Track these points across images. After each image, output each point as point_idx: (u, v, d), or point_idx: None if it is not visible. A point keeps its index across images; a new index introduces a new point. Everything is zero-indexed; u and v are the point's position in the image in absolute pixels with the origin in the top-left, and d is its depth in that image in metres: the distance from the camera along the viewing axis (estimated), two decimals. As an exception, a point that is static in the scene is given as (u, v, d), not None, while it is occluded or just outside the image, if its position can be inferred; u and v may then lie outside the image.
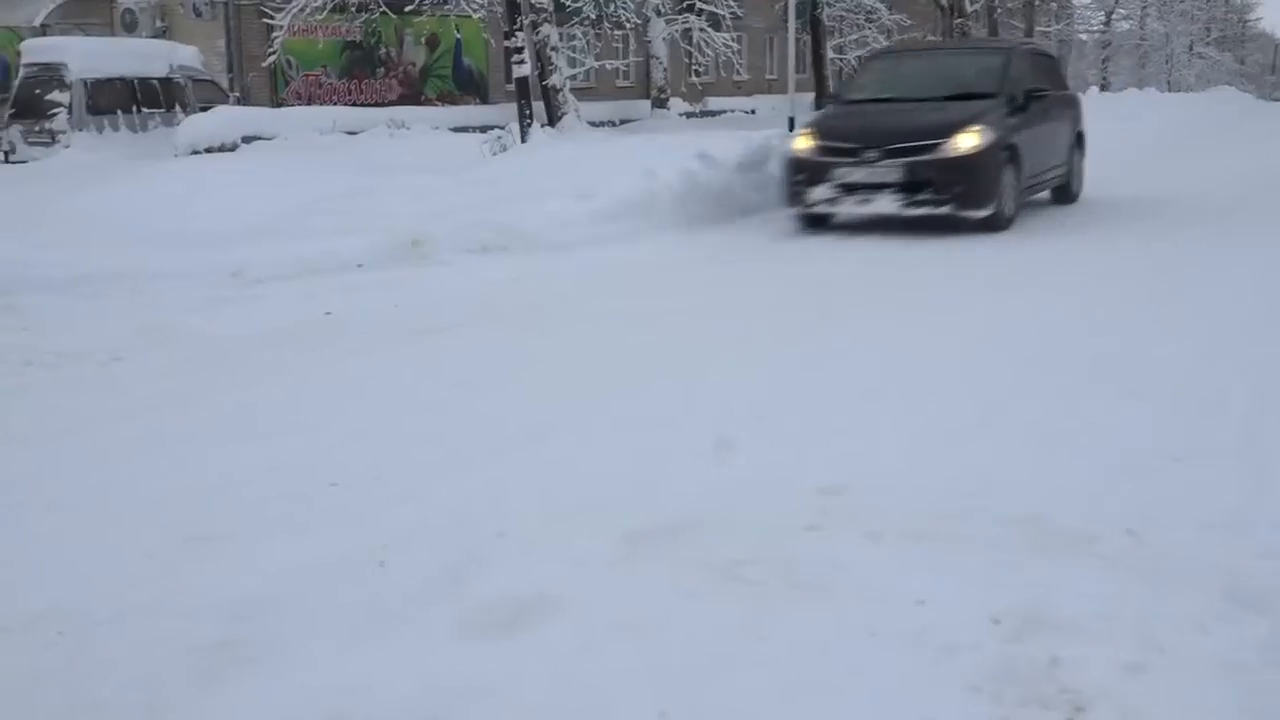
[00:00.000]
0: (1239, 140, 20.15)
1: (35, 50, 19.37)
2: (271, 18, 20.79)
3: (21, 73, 19.12)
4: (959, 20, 37.08)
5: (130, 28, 23.62)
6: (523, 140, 16.51)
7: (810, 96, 31.28)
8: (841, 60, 34.84)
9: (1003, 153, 9.74)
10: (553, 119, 19.82)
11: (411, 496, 3.92)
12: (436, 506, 3.82)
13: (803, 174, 10.09)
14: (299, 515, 3.78)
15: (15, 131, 18.52)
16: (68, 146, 17.70)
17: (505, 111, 21.25)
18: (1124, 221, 10.44)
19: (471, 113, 23.55)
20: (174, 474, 4.26)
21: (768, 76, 35.66)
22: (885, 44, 34.77)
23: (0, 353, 6.13)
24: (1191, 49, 57.93)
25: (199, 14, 23.62)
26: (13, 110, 18.78)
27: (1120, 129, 20.21)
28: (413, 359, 6.00)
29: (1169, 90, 43.65)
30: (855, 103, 11.07)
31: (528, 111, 18.61)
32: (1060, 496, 3.72)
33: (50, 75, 18.45)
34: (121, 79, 19.12)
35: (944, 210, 9.55)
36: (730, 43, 28.66)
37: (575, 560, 3.35)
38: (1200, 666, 2.69)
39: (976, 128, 9.62)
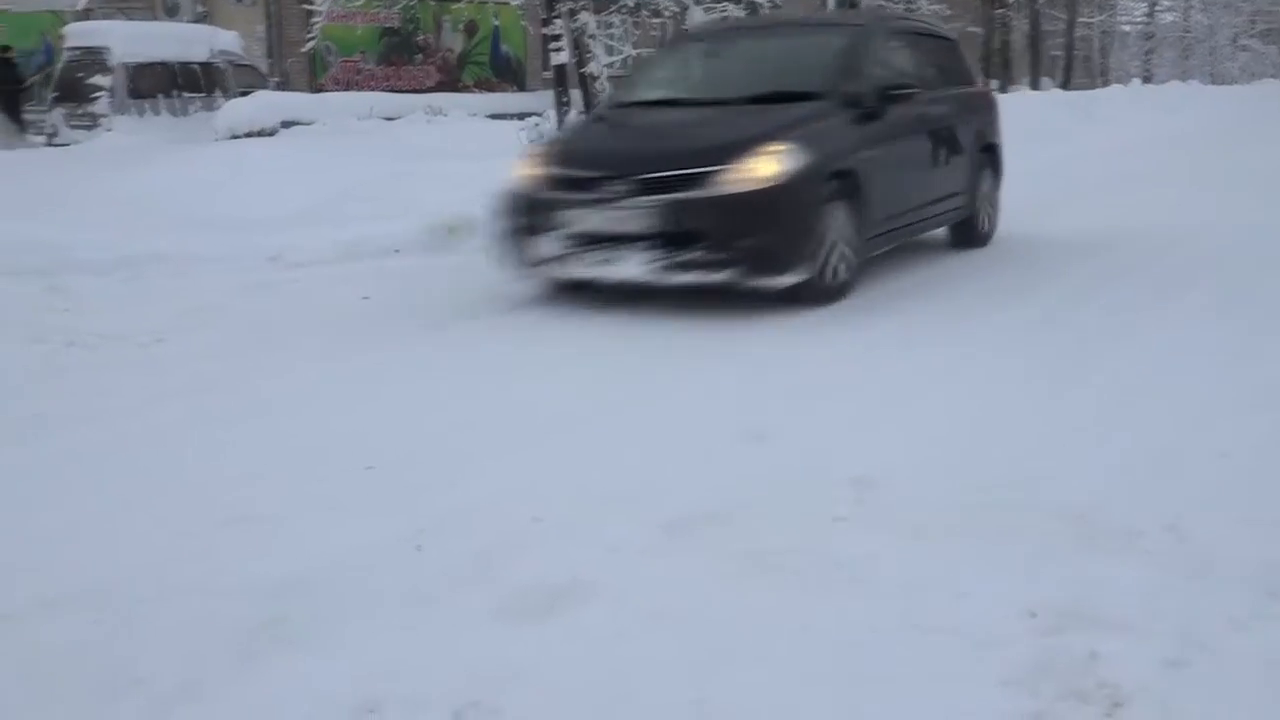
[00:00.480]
0: (1273, 137, 19.22)
1: (78, 34, 19.54)
2: (311, 3, 20.87)
3: (64, 56, 19.29)
4: (999, 11, 36.82)
5: (172, 12, 23.79)
6: (560, 127, 16.52)
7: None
8: (880, 50, 34.57)
9: (825, 185, 6.47)
10: (590, 106, 19.84)
11: (447, 481, 3.94)
12: (472, 492, 3.84)
13: (524, 217, 6.73)
14: (336, 499, 3.81)
15: (58, 114, 18.69)
16: (109, 130, 17.83)
17: (542, 99, 21.32)
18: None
19: (509, 100, 23.59)
20: (214, 456, 4.30)
21: (805, 66, 35.49)
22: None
23: (43, 333, 6.21)
24: (1235, 41, 57.23)
25: (240, -1, 23.76)
26: (55, 93, 18.96)
27: (1146, 123, 19.97)
28: (449, 345, 6.02)
29: (1213, 83, 43.15)
30: (631, 107, 7.76)
31: (565, 99, 18.65)
32: (1103, 490, 3.69)
33: (93, 59, 18.60)
34: (163, 63, 19.24)
35: (722, 277, 6.24)
36: (769, 32, 28.53)
37: (610, 547, 3.36)
38: (1240, 663, 2.67)
39: (777, 147, 6.33)
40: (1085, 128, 18.33)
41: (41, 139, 18.93)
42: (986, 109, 9.10)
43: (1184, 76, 42.27)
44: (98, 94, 18.37)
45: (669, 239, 6.25)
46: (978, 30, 38.10)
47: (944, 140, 8.05)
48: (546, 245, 6.61)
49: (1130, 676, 2.61)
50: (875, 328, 6.06)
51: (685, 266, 6.25)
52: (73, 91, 18.63)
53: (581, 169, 6.64)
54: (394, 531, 3.51)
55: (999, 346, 5.62)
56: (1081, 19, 43.73)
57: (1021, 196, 10.01)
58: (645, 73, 8.74)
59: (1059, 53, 43.70)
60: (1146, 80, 43.43)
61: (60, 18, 22.77)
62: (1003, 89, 31.51)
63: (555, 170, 6.77)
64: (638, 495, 3.75)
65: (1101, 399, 4.71)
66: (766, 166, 6.27)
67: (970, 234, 8.59)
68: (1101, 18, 48.43)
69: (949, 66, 8.69)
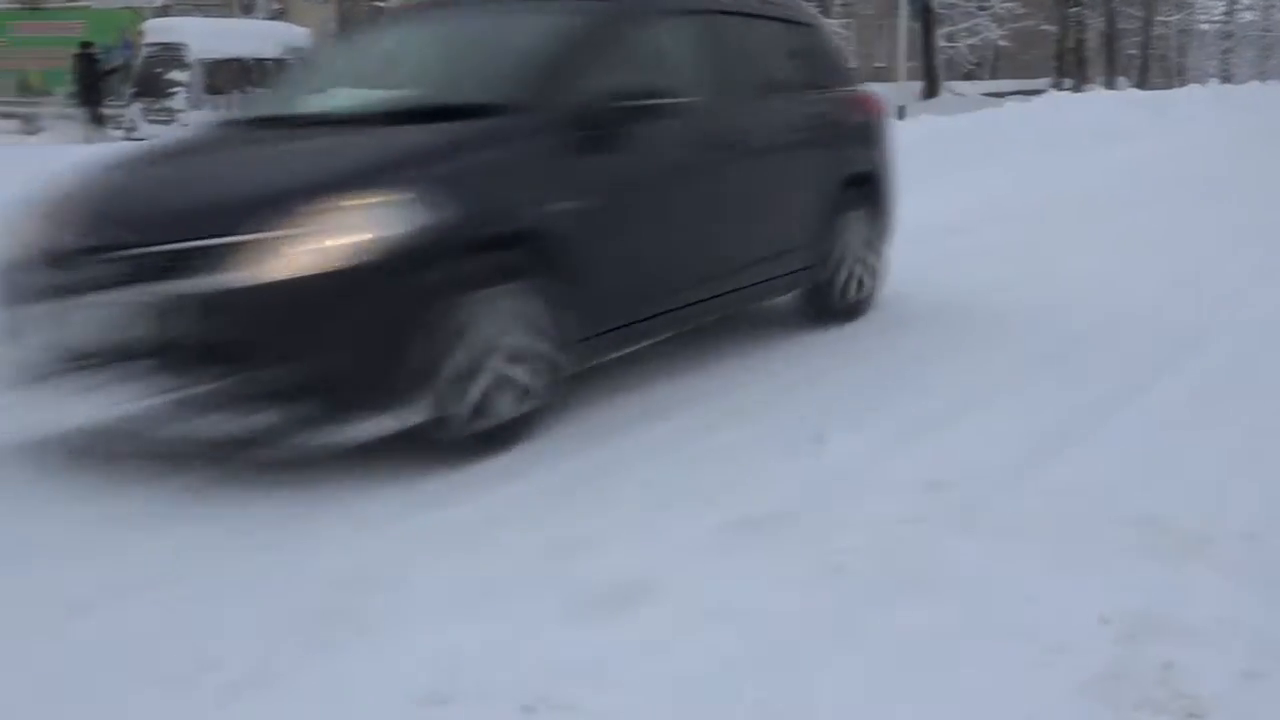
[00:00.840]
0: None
1: (157, 30, 19.94)
2: (381, 1, 21.11)
3: (144, 52, 19.69)
4: (1074, 9, 36.36)
5: (248, 9, 24.16)
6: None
7: (919, 86, 31.01)
8: (952, 48, 34.33)
9: (467, 260, 3.98)
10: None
11: (516, 474, 3.96)
12: (540, 485, 3.86)
13: None
14: (407, 486, 3.84)
15: (136, 109, 19.09)
16: (185, 125, 18.18)
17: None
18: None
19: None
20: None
21: (875, 64, 35.29)
22: (998, 33, 34.22)
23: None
24: (1318, 40, 56.03)
25: (313, -4, 24.08)
26: (134, 89, 19.35)
27: (1221, 124, 19.55)
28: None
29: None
30: (239, 126, 5.13)
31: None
32: (1177, 496, 3.63)
33: (170, 55, 18.99)
34: (238, 59, 19.58)
35: (263, 422, 3.71)
36: (839, 30, 28.40)
37: (676, 546, 3.36)
38: (1321, 677, 2.61)
39: (369, 199, 3.87)
40: (1157, 128, 18.00)
41: (120, 133, 19.33)
42: (857, 126, 6.26)
43: (1263, 76, 41.39)
44: (175, 89, 18.73)
45: (181, 356, 3.70)
46: (1052, 28, 37.66)
47: (762, 173, 5.41)
48: (14, 357, 4.04)
49: (1207, 687, 2.57)
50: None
51: (203, 405, 3.68)
52: (151, 86, 19.00)
53: (70, 236, 3.95)
54: (464, 524, 3.53)
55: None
56: (1158, 17, 43.05)
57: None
58: (300, 73, 6.53)
59: (1135, 52, 43.08)
60: (1225, 80, 42.62)
61: (139, 14, 23.21)
62: (1077, 88, 31.13)
63: (44, 238, 4.03)
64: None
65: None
66: (342, 233, 3.74)
67: (828, 303, 5.94)
68: (1179, 16, 47.67)
69: (792, 63, 5.96)
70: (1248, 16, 56.42)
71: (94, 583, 3.18)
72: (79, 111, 20.49)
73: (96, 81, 20.59)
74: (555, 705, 2.57)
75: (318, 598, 3.08)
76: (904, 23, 20.82)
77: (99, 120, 20.44)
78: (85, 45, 21.03)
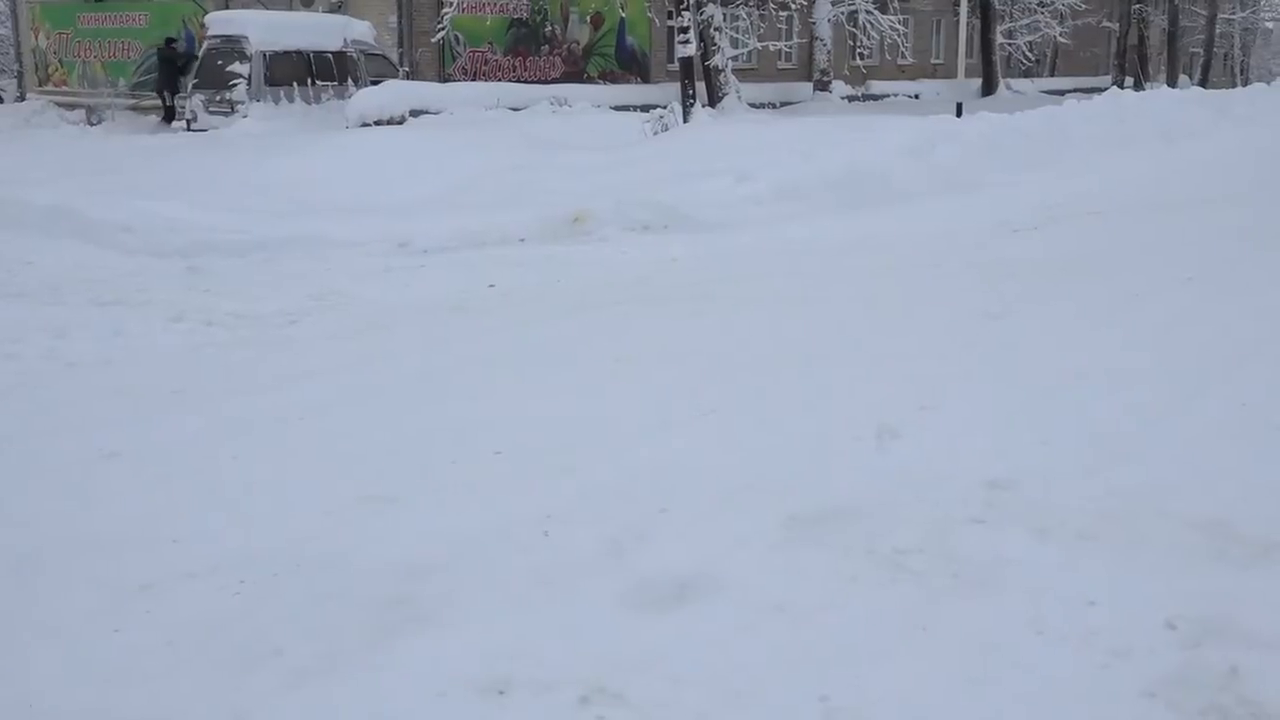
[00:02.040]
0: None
1: (219, 23, 20.15)
2: (444, -4, 21.23)
3: (205, 44, 19.91)
4: (1137, 6, 35.86)
5: (308, 2, 24.35)
6: (685, 120, 16.56)
7: (977, 83, 30.69)
8: (1011, 45, 33.96)
9: None
10: (713, 99, 19.86)
11: (574, 469, 3.97)
12: (599, 480, 3.86)
13: None
14: (465, 482, 3.87)
15: (197, 100, 19.30)
16: (245, 116, 18.35)
17: (665, 91, 21.38)
18: None
19: (632, 91, 23.66)
20: (345, 435, 4.39)
21: (933, 60, 34.95)
22: (1058, 30, 33.85)
23: (184, 312, 6.42)
24: (1389, 39, 54.82)
25: (373, -11, 24.20)
26: (195, 80, 19.58)
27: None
28: (575, 333, 6.06)
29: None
30: None
31: (690, 91, 18.66)
32: (1244, 501, 3.57)
33: (231, 47, 19.16)
34: (298, 52, 19.74)
35: None
36: (896, 25, 28.15)
37: (737, 540, 3.35)
38: (1392, 686, 2.56)
39: None
40: (1220, 128, 17.64)
41: (181, 124, 19.58)
42: None
43: (1332, 75, 40.62)
44: (236, 81, 18.90)
45: None
46: (1113, 25, 37.19)
47: None
48: None
49: (1273, 694, 2.53)
50: None
51: None
52: (212, 78, 19.20)
53: None
54: (522, 516, 3.54)
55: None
56: (1223, 14, 42.36)
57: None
58: None
59: (1198, 50, 42.44)
60: (1291, 79, 41.84)
61: (202, 7, 23.48)
62: (1138, 86, 30.70)
63: None
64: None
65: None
66: None
67: None
68: (1244, 14, 46.85)
69: None
70: (1315, 14, 55.32)
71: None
72: (166, 101, 20.92)
73: (177, 74, 20.98)
74: (611, 696, 2.58)
75: (379, 587, 3.10)
76: (964, 19, 20.64)
77: (171, 112, 20.77)
78: (170, 40, 21.61)
